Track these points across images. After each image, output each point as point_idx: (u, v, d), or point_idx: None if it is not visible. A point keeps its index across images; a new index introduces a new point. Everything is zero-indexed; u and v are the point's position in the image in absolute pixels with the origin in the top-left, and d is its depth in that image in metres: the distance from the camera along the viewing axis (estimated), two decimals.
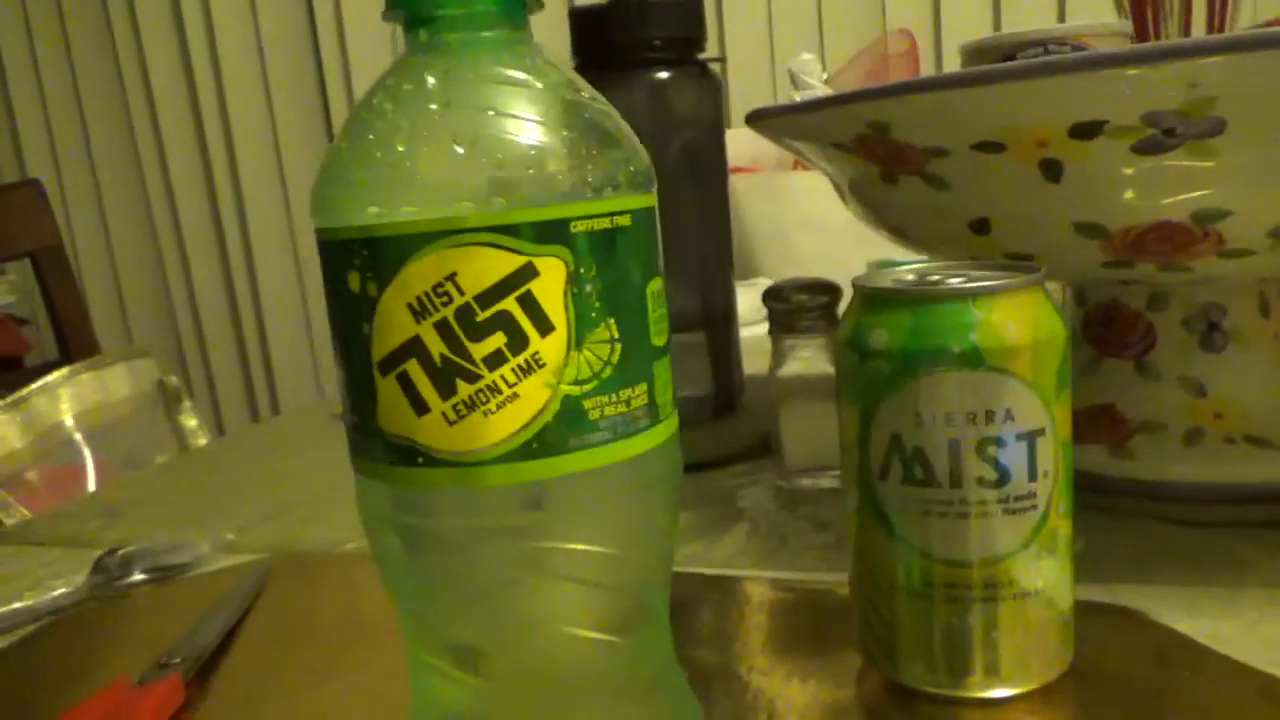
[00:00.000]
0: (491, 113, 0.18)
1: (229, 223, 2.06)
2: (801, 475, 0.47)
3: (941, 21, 1.48)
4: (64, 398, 0.77)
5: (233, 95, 1.98)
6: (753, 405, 0.56)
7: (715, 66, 0.55)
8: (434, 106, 0.19)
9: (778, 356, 0.46)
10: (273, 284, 2.07)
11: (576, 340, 0.19)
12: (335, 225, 0.19)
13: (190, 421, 0.85)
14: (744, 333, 0.57)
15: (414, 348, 0.18)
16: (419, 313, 0.18)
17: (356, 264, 0.19)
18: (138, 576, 0.44)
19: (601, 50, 0.51)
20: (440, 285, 0.18)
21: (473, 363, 0.18)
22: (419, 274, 0.18)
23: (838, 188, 0.44)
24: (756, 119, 0.42)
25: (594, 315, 0.19)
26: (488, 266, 0.18)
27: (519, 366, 0.18)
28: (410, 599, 0.21)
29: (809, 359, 0.46)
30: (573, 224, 0.18)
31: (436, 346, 0.18)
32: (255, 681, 0.34)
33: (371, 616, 0.38)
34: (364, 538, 0.21)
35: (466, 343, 0.18)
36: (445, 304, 0.18)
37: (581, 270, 0.19)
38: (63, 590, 0.42)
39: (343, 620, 0.38)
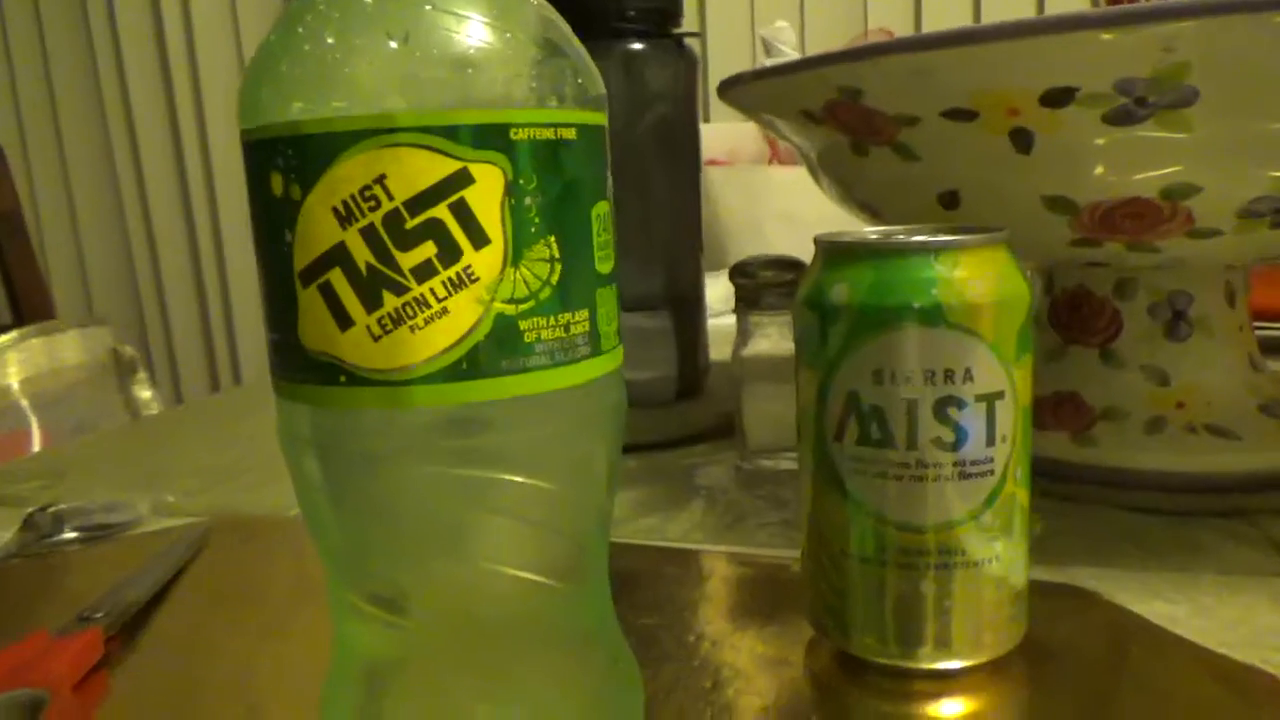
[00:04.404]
0: (429, 6, 0.17)
1: (196, 192, 2.02)
2: (761, 456, 0.46)
3: (922, 20, 1.48)
4: (11, 362, 0.75)
5: (205, 66, 1.95)
6: (717, 389, 0.55)
7: (693, 44, 0.54)
8: None
9: (742, 334, 0.45)
10: (238, 256, 2.04)
11: (513, 255, 0.18)
12: (259, 124, 0.18)
13: (144, 392, 0.83)
14: (713, 322, 0.56)
15: (338, 255, 0.17)
16: (345, 218, 0.17)
17: (280, 165, 0.17)
18: (69, 535, 0.42)
19: (574, 18, 0.50)
20: (368, 188, 0.17)
21: (400, 273, 0.17)
22: (346, 176, 0.17)
23: (808, 161, 0.44)
24: (729, 86, 0.41)
25: (533, 230, 0.18)
26: (419, 170, 0.17)
27: (450, 280, 0.17)
28: (332, 534, 0.20)
29: (773, 337, 0.45)
30: (513, 130, 0.17)
31: (362, 255, 0.17)
32: (183, 641, 0.32)
33: (310, 582, 0.36)
34: None
35: (394, 251, 0.17)
36: (373, 209, 0.17)
37: (521, 181, 0.17)
38: None
39: (279, 585, 0.37)
